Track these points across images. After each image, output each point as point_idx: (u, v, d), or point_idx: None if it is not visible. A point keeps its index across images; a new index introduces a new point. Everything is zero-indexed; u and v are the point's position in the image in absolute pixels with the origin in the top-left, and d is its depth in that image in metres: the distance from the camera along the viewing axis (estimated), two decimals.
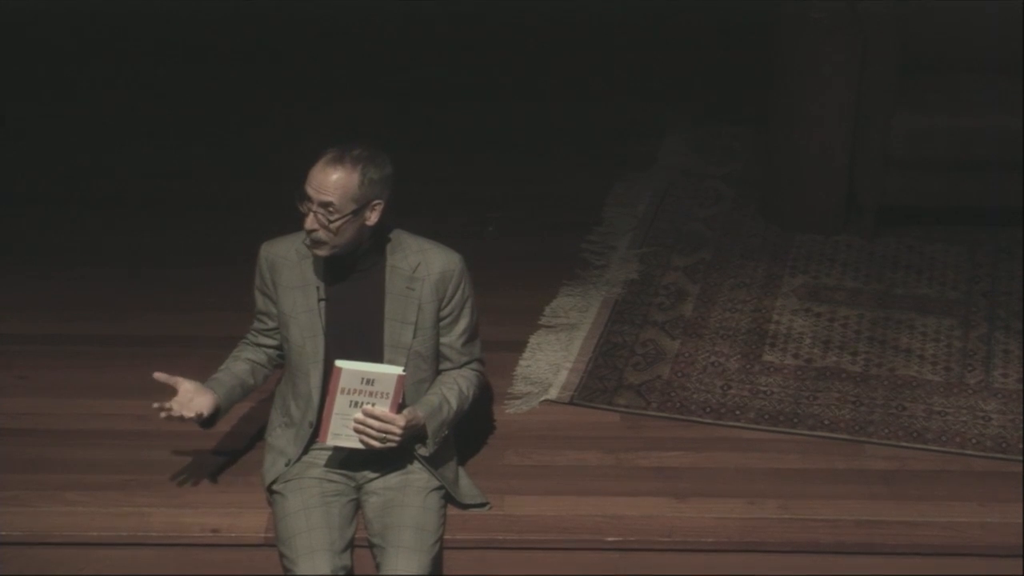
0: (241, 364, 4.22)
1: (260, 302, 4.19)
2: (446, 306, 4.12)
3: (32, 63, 7.36)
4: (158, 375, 4.02)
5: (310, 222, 3.91)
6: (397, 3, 7.81)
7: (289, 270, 4.09)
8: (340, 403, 3.92)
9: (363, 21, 7.77)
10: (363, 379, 3.90)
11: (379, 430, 3.92)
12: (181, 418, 4.00)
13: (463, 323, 4.16)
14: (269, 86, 7.17)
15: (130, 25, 7.72)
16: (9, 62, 7.26)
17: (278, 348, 4.23)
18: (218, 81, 7.22)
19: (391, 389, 3.92)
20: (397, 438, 3.94)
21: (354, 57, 7.49)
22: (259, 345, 4.25)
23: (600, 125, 6.75)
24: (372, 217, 3.96)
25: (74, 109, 6.91)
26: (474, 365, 4.23)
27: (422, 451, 4.06)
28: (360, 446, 3.96)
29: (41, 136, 6.65)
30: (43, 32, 7.66)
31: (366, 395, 3.92)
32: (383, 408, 3.92)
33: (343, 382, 3.90)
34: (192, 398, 4.02)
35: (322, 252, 3.96)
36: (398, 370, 3.93)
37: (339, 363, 3.91)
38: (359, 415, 3.92)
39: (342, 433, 3.96)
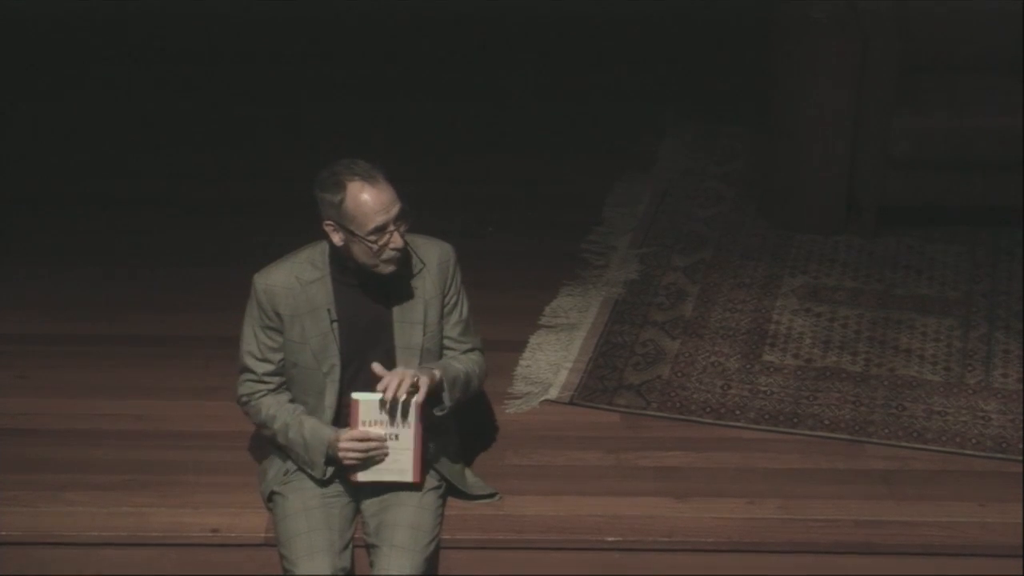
0: (295, 407, 4.09)
1: (267, 339, 4.04)
2: (448, 296, 4.11)
3: (32, 62, 7.36)
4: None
5: (400, 241, 3.88)
6: (398, 3, 7.81)
7: (293, 298, 4.01)
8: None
9: (364, 21, 7.77)
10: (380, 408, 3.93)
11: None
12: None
13: (458, 311, 4.14)
14: (270, 86, 7.17)
15: (132, 25, 7.73)
16: (9, 61, 7.26)
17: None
18: (219, 81, 7.22)
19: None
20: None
21: (355, 57, 7.48)
22: (282, 387, 4.11)
23: (600, 125, 6.75)
24: None
25: (75, 109, 6.90)
26: (474, 355, 4.19)
27: (437, 412, 4.00)
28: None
29: (41, 136, 6.65)
30: (44, 31, 7.65)
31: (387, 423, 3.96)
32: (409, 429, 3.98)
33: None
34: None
35: (397, 266, 3.95)
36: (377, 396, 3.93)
37: (355, 395, 3.90)
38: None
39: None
